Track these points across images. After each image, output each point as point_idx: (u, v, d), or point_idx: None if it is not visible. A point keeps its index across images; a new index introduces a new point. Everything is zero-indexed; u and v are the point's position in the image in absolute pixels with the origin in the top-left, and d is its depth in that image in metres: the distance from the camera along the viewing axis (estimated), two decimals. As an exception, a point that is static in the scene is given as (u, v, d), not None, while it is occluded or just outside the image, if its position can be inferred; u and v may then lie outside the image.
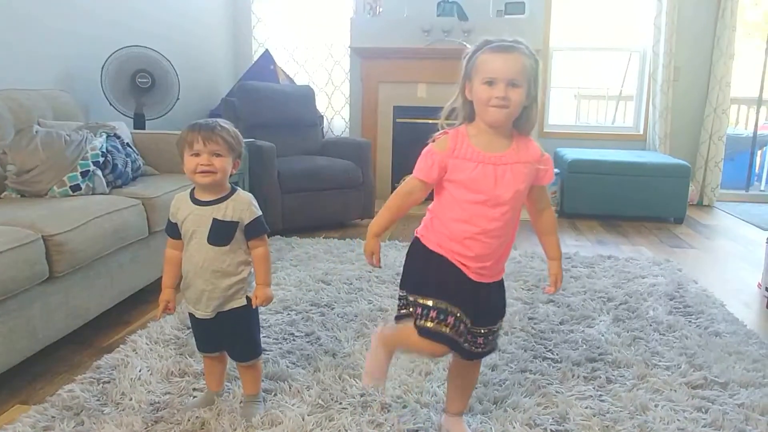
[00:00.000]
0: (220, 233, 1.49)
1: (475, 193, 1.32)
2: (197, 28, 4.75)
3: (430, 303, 1.35)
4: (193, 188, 1.54)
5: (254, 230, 1.53)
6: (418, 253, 1.43)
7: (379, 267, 1.48)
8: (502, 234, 1.36)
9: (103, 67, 3.40)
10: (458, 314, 1.35)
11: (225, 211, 1.49)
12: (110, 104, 3.46)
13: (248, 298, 1.57)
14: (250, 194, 1.55)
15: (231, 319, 1.55)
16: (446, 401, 1.61)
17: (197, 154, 1.46)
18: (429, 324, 1.34)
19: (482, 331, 1.43)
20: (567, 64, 5.38)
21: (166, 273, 1.59)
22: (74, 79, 3.32)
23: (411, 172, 1.39)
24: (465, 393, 1.58)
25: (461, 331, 1.37)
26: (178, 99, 3.70)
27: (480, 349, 1.46)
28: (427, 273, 1.40)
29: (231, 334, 1.58)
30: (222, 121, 1.52)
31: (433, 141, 1.37)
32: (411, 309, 1.39)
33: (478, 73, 1.29)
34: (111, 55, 3.43)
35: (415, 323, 1.37)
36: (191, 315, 1.59)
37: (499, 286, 1.46)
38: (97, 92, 3.48)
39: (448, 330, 1.34)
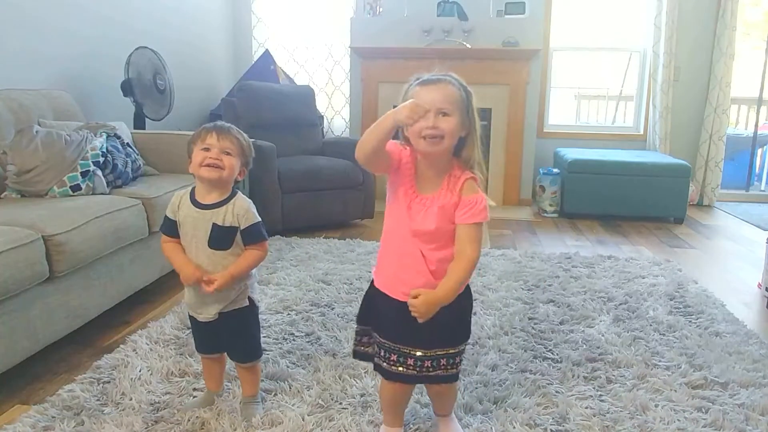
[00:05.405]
0: (220, 238, 1.48)
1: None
2: (197, 29, 4.75)
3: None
4: (193, 189, 1.53)
5: (250, 236, 1.50)
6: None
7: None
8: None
9: (128, 65, 3.40)
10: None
11: (224, 216, 1.48)
12: (136, 102, 3.47)
13: (251, 299, 1.57)
14: (250, 200, 1.53)
15: (233, 320, 1.55)
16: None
17: (207, 149, 1.46)
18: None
19: (426, 353, 1.36)
20: (567, 64, 5.38)
21: (177, 256, 1.50)
22: (74, 79, 3.32)
23: None
24: (444, 401, 1.53)
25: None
26: (171, 106, 3.71)
27: (428, 373, 1.37)
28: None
29: (232, 335, 1.57)
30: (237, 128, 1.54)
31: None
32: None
33: None
34: (132, 53, 3.44)
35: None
36: (192, 318, 1.58)
37: (451, 308, 1.32)
38: (96, 92, 3.49)
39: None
